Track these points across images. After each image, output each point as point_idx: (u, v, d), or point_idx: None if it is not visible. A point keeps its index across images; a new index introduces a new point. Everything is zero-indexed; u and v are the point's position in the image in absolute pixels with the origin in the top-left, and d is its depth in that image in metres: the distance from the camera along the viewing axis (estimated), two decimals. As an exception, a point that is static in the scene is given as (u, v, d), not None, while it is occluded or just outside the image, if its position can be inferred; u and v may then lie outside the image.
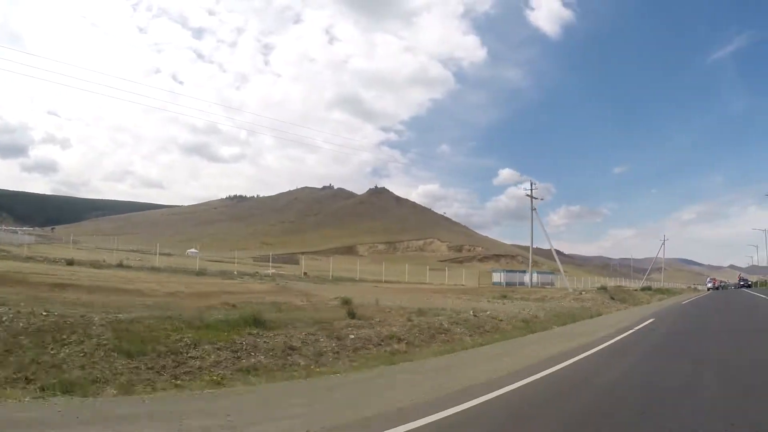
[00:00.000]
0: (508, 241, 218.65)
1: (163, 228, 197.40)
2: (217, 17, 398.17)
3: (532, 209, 37.70)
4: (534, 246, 40.49)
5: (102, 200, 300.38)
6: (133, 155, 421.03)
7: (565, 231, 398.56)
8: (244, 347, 6.28)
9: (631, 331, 11.49)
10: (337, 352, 7.00)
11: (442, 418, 4.00)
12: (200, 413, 4.18)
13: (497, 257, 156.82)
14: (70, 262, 23.75)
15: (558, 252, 43.20)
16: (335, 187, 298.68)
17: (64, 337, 5.66)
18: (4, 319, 6.01)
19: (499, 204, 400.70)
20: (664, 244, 70.18)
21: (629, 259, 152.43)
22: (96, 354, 5.37)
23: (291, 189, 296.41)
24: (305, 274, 36.54)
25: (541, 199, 40.45)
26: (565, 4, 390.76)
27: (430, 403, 4.50)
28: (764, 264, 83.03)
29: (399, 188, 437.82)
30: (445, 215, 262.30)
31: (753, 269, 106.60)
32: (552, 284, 46.86)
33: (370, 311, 10.23)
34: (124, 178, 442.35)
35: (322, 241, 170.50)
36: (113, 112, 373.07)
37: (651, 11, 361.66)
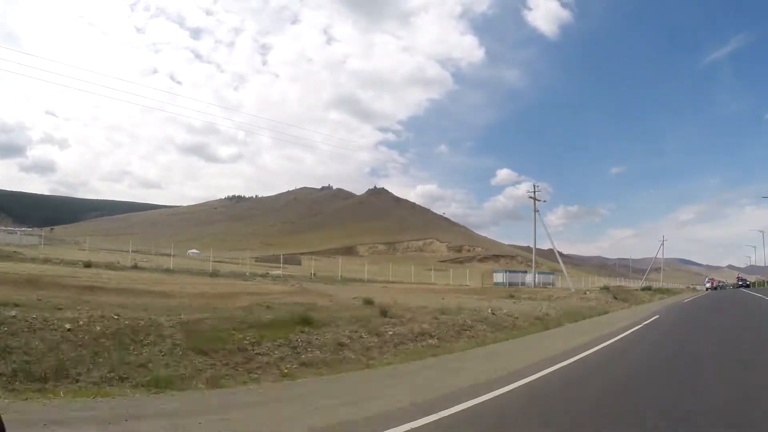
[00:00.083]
0: (506, 241, 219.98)
1: (162, 228, 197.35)
2: (215, 17, 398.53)
3: (535, 211, 38.46)
4: (533, 246, 41.20)
5: (100, 200, 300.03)
6: (131, 155, 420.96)
7: (562, 231, 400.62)
8: (300, 344, 6.89)
9: (642, 324, 12.91)
10: (380, 347, 7.64)
11: (522, 385, 5.18)
12: (321, 395, 4.88)
13: (497, 257, 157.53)
14: (87, 265, 24.19)
15: (558, 252, 43.89)
16: (334, 188, 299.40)
17: (141, 338, 6.20)
18: (81, 323, 6.57)
19: (497, 204, 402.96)
20: (663, 244, 71.07)
21: (627, 259, 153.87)
22: (174, 353, 5.93)
23: (290, 189, 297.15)
24: (314, 274, 37.08)
25: (544, 201, 41.19)
26: (563, 5, 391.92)
27: (502, 378, 5.54)
28: (762, 264, 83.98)
29: (397, 188, 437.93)
30: (444, 215, 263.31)
31: (751, 269, 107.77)
32: (553, 284, 47.51)
33: (397, 310, 10.84)
34: (122, 179, 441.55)
35: (323, 241, 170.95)
36: (111, 112, 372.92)
37: (649, 12, 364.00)
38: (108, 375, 5.33)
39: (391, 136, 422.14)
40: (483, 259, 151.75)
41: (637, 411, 4.14)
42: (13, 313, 6.71)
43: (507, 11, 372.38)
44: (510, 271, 58.37)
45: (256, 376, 5.69)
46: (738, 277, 79.45)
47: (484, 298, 20.26)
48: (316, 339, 7.18)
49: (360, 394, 4.91)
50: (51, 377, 5.20)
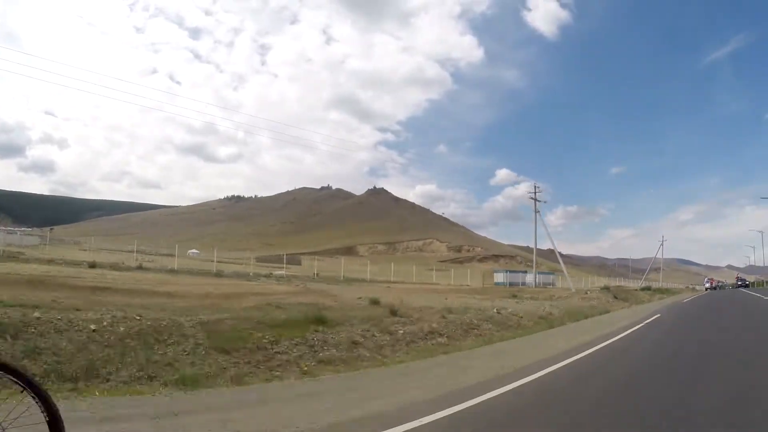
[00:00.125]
0: (505, 242, 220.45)
1: (162, 228, 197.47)
2: (214, 17, 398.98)
3: (536, 211, 38.75)
4: (533, 246, 41.46)
5: (100, 200, 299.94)
6: (131, 155, 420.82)
7: (562, 231, 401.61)
8: (317, 342, 7.12)
9: (644, 323, 13.23)
10: (393, 345, 7.88)
11: (533, 380, 5.48)
12: (343, 390, 5.16)
13: (496, 257, 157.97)
14: (92, 265, 24.37)
15: (558, 252, 44.17)
16: (333, 188, 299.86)
17: (165, 338, 6.41)
18: (105, 323, 6.78)
19: (497, 204, 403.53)
20: (662, 244, 71.41)
21: (626, 259, 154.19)
22: (197, 352, 6.14)
23: (289, 189, 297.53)
24: (317, 274, 37.30)
25: (545, 202, 41.47)
26: (562, 5, 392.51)
27: (509, 375, 5.77)
28: (761, 264, 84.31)
29: (396, 188, 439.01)
30: (443, 215, 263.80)
31: (751, 269, 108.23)
32: (553, 284, 47.81)
33: (405, 310, 11.07)
34: (121, 179, 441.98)
35: (323, 241, 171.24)
36: (110, 112, 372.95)
37: (648, 12, 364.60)
38: (137, 374, 5.52)
39: (390, 136, 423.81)
40: (483, 259, 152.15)
41: (637, 410, 4.28)
42: (37, 314, 6.90)
43: (506, 11, 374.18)
44: (510, 271, 58.71)
45: (277, 373, 5.91)
46: (737, 277, 79.74)
47: (486, 298, 20.51)
48: (331, 338, 7.41)
49: (377, 391, 5.15)
50: (81, 377, 5.39)
